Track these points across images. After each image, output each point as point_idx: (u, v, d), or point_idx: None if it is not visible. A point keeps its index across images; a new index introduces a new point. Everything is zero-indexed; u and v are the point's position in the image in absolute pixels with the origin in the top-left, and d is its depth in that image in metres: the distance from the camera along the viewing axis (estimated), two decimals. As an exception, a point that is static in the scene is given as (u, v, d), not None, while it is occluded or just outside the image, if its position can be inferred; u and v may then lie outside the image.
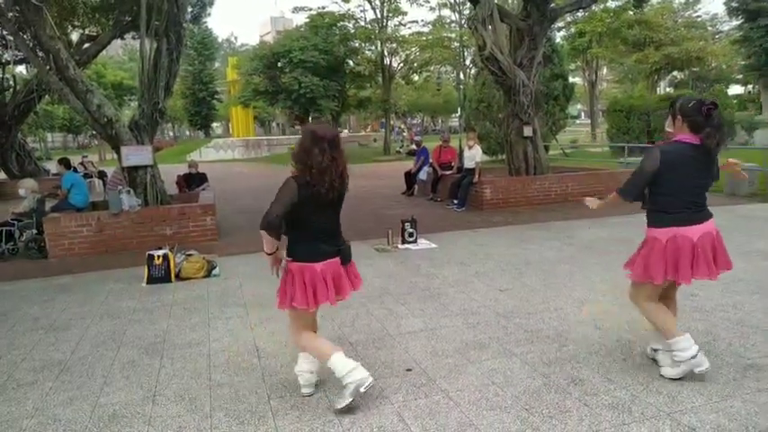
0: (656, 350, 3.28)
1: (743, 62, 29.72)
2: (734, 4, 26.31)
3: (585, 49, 30.99)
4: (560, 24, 29.14)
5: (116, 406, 3.09)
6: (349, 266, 3.07)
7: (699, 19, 35.24)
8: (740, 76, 38.32)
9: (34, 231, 7.66)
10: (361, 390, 2.83)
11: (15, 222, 7.71)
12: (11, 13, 8.56)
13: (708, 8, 75.27)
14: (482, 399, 2.96)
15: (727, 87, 36.64)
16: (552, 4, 10.95)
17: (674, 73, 36.61)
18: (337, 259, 2.98)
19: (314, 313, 3.10)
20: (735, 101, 27.92)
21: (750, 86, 40.52)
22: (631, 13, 27.56)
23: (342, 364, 2.88)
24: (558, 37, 30.39)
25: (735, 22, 30.31)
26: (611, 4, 27.88)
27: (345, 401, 2.82)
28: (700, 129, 2.88)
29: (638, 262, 3.10)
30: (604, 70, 45.73)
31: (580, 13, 26.54)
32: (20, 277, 6.40)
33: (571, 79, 26.49)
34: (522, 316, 4.24)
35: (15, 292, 5.75)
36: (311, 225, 2.91)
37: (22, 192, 8.10)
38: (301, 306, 2.91)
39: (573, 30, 30.53)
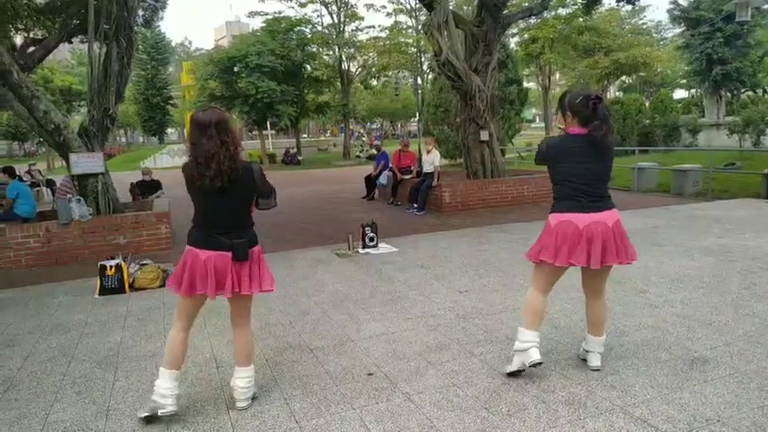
0: (587, 351, 3.33)
1: (686, 67, 31.08)
2: (676, 13, 27.51)
3: (538, 55, 31.84)
4: (514, 31, 29.91)
5: (67, 423, 2.97)
6: (245, 265, 2.88)
7: (644, 26, 36.79)
8: (684, 81, 40.10)
9: (-24, 243, 7.29)
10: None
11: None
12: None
13: (652, 16, 78.55)
14: (443, 400, 2.99)
15: (673, 91, 38.29)
16: (505, 11, 11.21)
17: (623, 78, 38.04)
18: (229, 254, 2.82)
19: (192, 305, 2.99)
20: (679, 104, 29.15)
21: (693, 90, 42.43)
22: (581, 20, 28.49)
23: (163, 385, 2.86)
24: (512, 43, 31.15)
25: (678, 30, 31.69)
26: (562, 12, 28.78)
27: None
28: (588, 122, 2.99)
29: (533, 244, 3.22)
30: (557, 75, 47.05)
31: (533, 20, 27.30)
32: (-38, 292, 6.08)
33: (525, 84, 27.20)
34: (481, 317, 4.31)
35: (-43, 307, 5.46)
36: (203, 212, 2.88)
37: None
38: (169, 286, 2.95)
39: (526, 36, 31.35)
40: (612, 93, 40.25)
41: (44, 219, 8.11)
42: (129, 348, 4.04)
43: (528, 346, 3.12)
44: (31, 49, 13.73)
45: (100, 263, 5.63)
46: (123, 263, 5.63)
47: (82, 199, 7.66)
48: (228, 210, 2.86)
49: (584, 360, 3.34)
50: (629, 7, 34.98)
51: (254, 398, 3.07)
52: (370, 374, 3.37)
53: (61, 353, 4.01)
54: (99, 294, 5.50)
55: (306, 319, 4.49)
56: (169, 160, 33.66)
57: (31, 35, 13.81)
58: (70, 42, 13.42)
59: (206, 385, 3.35)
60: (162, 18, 14.99)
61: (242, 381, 3.00)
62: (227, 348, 3.94)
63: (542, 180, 10.65)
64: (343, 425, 2.79)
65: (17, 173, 9.47)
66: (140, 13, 12.56)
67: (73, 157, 7.93)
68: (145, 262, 5.98)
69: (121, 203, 8.89)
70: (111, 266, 5.54)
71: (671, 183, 11.18)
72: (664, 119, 20.21)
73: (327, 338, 4.03)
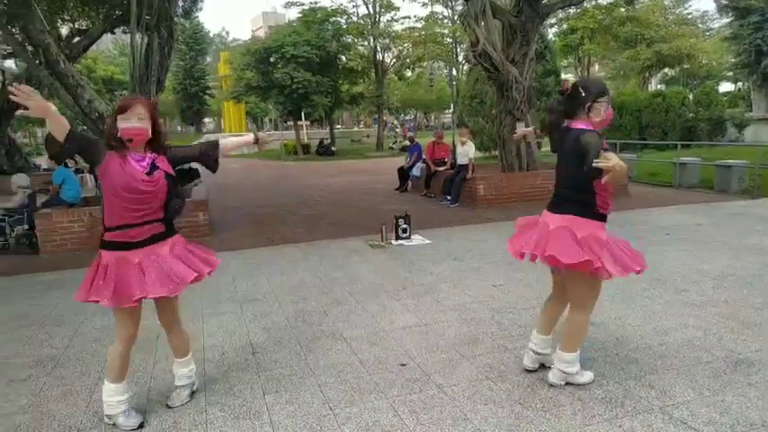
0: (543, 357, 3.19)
1: (733, 59, 29.89)
2: (724, 2, 26.43)
3: (577, 46, 31.10)
4: (552, 21, 29.24)
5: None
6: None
7: (689, 16, 35.46)
8: (730, 74, 38.60)
9: (25, 227, 7.60)
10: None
11: (6, 218, 7.65)
12: None
13: (698, 5, 75.57)
14: (476, 393, 2.98)
15: (718, 84, 36.93)
16: (544, 1, 10.97)
17: (666, 70, 36.83)
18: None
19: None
20: (725, 98, 28.10)
21: (740, 84, 40.81)
22: (623, 10, 27.68)
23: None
24: (551, 33, 30.48)
25: (725, 20, 30.47)
26: (603, 1, 28.00)
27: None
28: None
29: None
30: (596, 67, 45.89)
31: (572, 10, 26.62)
32: (11, 273, 6.35)
33: (563, 75, 26.59)
34: (515, 311, 4.27)
35: (6, 287, 5.71)
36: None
37: (14, 187, 8.03)
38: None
39: (565, 26, 30.62)
40: (654, 85, 39.06)
41: (88, 204, 8.37)
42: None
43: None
44: (76, 39, 14.16)
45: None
46: (163, 249, 5.76)
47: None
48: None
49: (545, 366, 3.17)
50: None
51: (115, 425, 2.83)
52: (403, 365, 3.38)
53: (104, 334, 4.15)
54: (139, 279, 5.65)
55: (340, 308, 4.53)
56: (206, 149, 34.21)
57: (76, 26, 14.25)
58: (113, 33, 13.78)
59: (242, 370, 3.42)
60: (201, 9, 15.22)
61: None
62: (264, 334, 4.02)
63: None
64: (376, 414, 2.81)
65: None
66: (180, 3, 12.79)
67: (115, 144, 8.15)
68: (183, 248, 6.11)
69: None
70: (151, 252, 5.68)
71: (714, 179, 10.80)
72: (708, 112, 19.51)
73: (361, 328, 4.06)
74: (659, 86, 38.99)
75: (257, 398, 3.05)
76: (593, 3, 26.67)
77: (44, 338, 4.15)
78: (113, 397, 2.78)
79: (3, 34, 8.96)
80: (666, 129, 18.66)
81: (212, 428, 2.75)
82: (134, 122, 2.65)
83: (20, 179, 8.17)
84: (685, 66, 33.28)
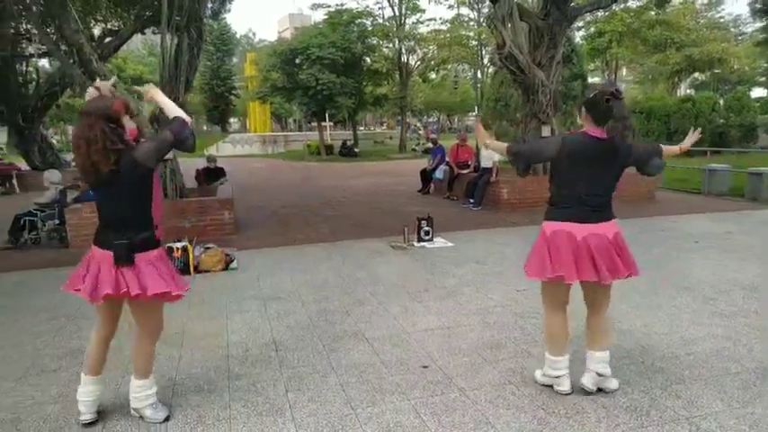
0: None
1: (766, 64, 29.20)
2: (758, 6, 25.83)
3: (605, 50, 30.67)
4: (580, 24, 28.88)
5: (137, 394, 3.14)
6: (128, 269, 2.63)
7: (721, 20, 34.69)
8: (763, 79, 37.68)
9: (56, 221, 7.79)
10: None
11: (38, 212, 7.85)
12: (35, 7, 8.70)
13: (731, 9, 73.86)
14: (499, 397, 2.96)
15: (750, 90, 36.05)
16: (572, 4, 10.86)
17: (696, 74, 36.13)
18: (109, 253, 2.62)
19: (106, 309, 2.83)
20: (757, 103, 27.44)
21: (773, 89, 39.83)
22: (653, 13, 27.22)
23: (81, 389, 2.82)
24: (578, 36, 30.15)
25: (758, 24, 29.77)
26: (632, 4, 27.58)
27: None
28: (602, 121, 2.74)
29: (529, 258, 2.95)
30: (624, 71, 45.24)
31: (600, 13, 26.27)
32: (42, 266, 6.51)
33: (590, 79, 26.26)
34: (539, 317, 4.21)
35: (37, 280, 5.86)
36: (97, 205, 2.74)
37: (46, 183, 8.24)
38: (67, 290, 2.79)
39: (592, 29, 30.23)
40: (683, 90, 38.33)
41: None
42: (194, 327, 4.21)
43: (562, 373, 2.95)
44: (108, 39, 14.48)
45: (167, 244, 5.89)
46: (189, 245, 5.87)
47: (151, 183, 8.01)
48: (121, 204, 2.65)
49: (579, 382, 2.98)
50: (705, 0, 33.29)
51: (141, 417, 2.83)
52: (425, 367, 3.38)
53: (131, 328, 4.22)
54: (166, 275, 5.75)
55: (362, 308, 4.54)
56: (231, 148, 34.65)
57: (108, 26, 14.57)
58: (143, 33, 14.05)
59: (265, 367, 3.46)
60: (229, 10, 15.41)
61: (132, 387, 2.85)
62: (287, 332, 4.06)
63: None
64: (398, 415, 2.81)
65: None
66: (209, 5, 12.98)
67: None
68: (209, 246, 6.21)
69: (187, 189, 9.24)
70: (178, 248, 5.79)
71: (745, 187, 10.56)
72: (740, 119, 19.10)
73: (383, 329, 4.07)
74: (688, 91, 38.23)
75: (280, 395, 3.08)
76: (622, 6, 26.27)
77: (73, 330, 4.25)
78: (142, 392, 2.83)
79: (39, 34, 9.20)
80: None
81: (236, 424, 2.78)
82: (132, 124, 2.73)
83: (52, 175, 8.37)
84: (716, 70, 32.57)
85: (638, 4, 27.31)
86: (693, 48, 28.62)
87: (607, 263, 2.79)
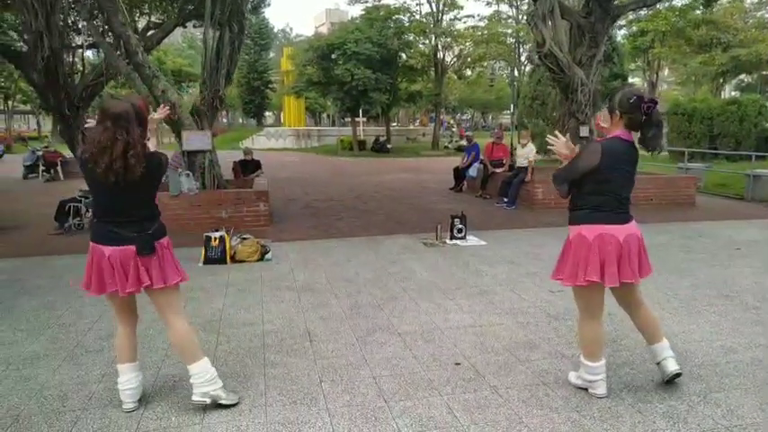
0: (659, 363, 3.07)
1: (818, 67, 28.03)
2: (812, 5, 24.78)
3: (647, 49, 29.91)
4: (622, 22, 28.20)
5: (176, 377, 3.24)
6: (151, 259, 2.71)
7: (772, 20, 33.39)
8: (814, 82, 36.17)
9: (99, 208, 8.05)
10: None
11: (82, 199, 8.13)
12: (86, 0, 8.99)
13: (782, 9, 70.98)
14: (532, 397, 2.95)
15: (800, 93, 34.62)
16: (616, 1, 10.64)
17: (742, 76, 34.94)
18: (131, 247, 2.67)
19: (117, 303, 2.84)
20: (807, 108, 26.31)
21: (825, 93, 38.18)
22: (698, 12, 26.39)
23: (121, 379, 2.86)
24: (620, 35, 29.46)
25: (812, 24, 28.60)
26: (678, 3, 26.79)
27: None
28: (637, 126, 2.79)
29: (567, 265, 2.91)
30: (666, 71, 44.05)
31: (643, 12, 25.60)
32: (85, 251, 6.72)
33: (630, 79, 25.67)
34: (573, 319, 4.17)
35: (81, 264, 6.04)
36: (100, 204, 2.75)
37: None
38: (83, 288, 2.82)
39: (635, 28, 29.48)
40: (728, 92, 37.11)
41: (159, 189, 8.78)
42: (230, 316, 4.32)
43: (599, 378, 2.95)
44: (151, 32, 14.84)
45: (205, 234, 6.03)
46: (227, 235, 6.00)
47: (191, 173, 8.21)
48: (132, 203, 2.69)
49: (671, 378, 3.03)
50: (755, -1, 32.08)
51: (220, 404, 2.85)
52: (458, 364, 3.39)
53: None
54: (203, 263, 5.91)
55: (394, 303, 4.57)
56: (266, 142, 35.14)
57: (152, 19, 14.93)
58: (185, 27, 14.35)
59: (300, 356, 3.52)
60: (269, 4, 15.64)
61: (193, 378, 2.84)
62: (321, 323, 4.12)
63: (643, 181, 10.07)
64: (430, 410, 2.84)
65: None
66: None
67: (185, 134, 8.52)
68: (246, 236, 6.33)
69: (224, 180, 9.43)
70: (215, 238, 5.92)
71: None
72: (787, 123, 18.37)
73: (415, 324, 4.09)
74: (734, 93, 36.98)
75: (314, 384, 3.13)
76: (667, 4, 25.53)
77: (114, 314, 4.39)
78: (205, 374, 2.82)
79: (88, 26, 9.50)
80: (740, 138, 17.69)
81: (272, 411, 2.85)
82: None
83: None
84: (764, 72, 31.43)
85: (683, 2, 26.52)
86: (741, 48, 27.63)
87: (639, 262, 2.90)
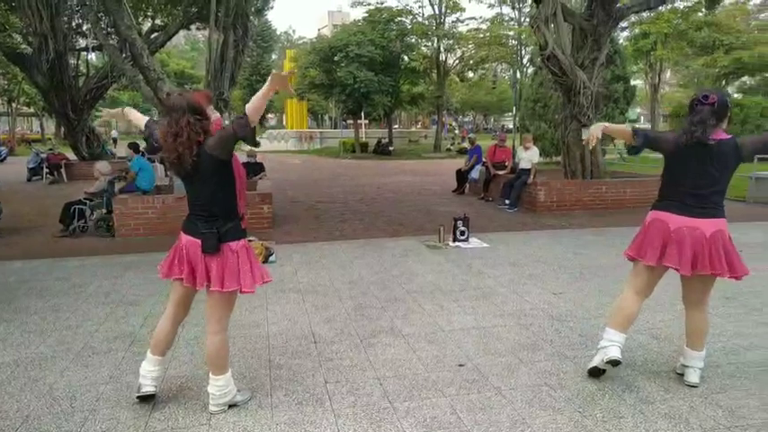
0: (685, 366, 3.17)
1: (821, 69, 28.00)
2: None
3: (649, 51, 29.95)
4: (624, 24, 28.23)
5: (183, 378, 3.28)
6: (215, 259, 2.71)
7: (775, 22, 33.40)
8: (817, 84, 36.09)
9: (104, 211, 8.11)
10: None
11: (87, 201, 8.18)
12: (92, 3, 9.05)
13: (785, 10, 70.75)
14: (535, 398, 2.98)
15: (802, 95, 34.58)
16: (618, 4, 10.67)
17: (745, 78, 34.92)
18: (198, 242, 2.71)
19: (179, 292, 2.90)
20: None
21: (828, 95, 38.12)
22: (701, 14, 26.42)
23: (145, 366, 2.95)
24: (622, 38, 29.47)
25: (814, 26, 28.57)
26: (680, 5, 26.80)
27: None
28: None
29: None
30: (668, 73, 44.09)
31: (646, 14, 25.62)
32: (90, 253, 6.80)
33: (632, 82, 25.66)
34: (575, 320, 4.21)
35: (87, 267, 6.11)
36: (187, 195, 2.83)
37: (96, 173, 8.58)
38: (159, 269, 2.91)
39: (637, 30, 29.53)
40: (731, 95, 37.09)
41: (160, 192, 8.84)
42: (236, 317, 4.32)
43: (609, 344, 3.07)
44: (154, 34, 14.93)
45: (210, 236, 6.06)
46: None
47: (195, 176, 8.24)
48: (205, 197, 2.74)
49: (681, 375, 3.19)
50: (758, 0, 32.08)
51: (233, 405, 2.91)
52: (461, 365, 3.42)
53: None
54: (207, 265, 5.93)
55: (397, 305, 4.61)
56: (268, 144, 35.19)
57: (156, 21, 15.02)
58: (188, 29, 14.45)
59: (305, 358, 3.55)
60: (272, 7, 15.70)
61: (212, 388, 2.86)
62: (325, 325, 4.15)
63: (647, 183, 10.10)
64: (434, 410, 2.87)
65: (140, 149, 10.33)
66: (254, 2, 13.24)
67: (189, 136, 8.55)
68: (251, 238, 6.34)
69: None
70: (219, 240, 5.94)
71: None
72: (790, 125, 18.40)
73: (418, 326, 4.12)
74: (736, 96, 36.96)
75: (319, 385, 3.17)
76: (669, 6, 25.55)
77: (121, 316, 4.44)
78: (228, 385, 2.88)
79: (94, 28, 9.57)
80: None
81: (278, 412, 2.88)
82: (216, 114, 2.84)
83: (103, 166, 8.70)
84: (767, 74, 31.40)
85: (685, 4, 26.54)
86: (743, 50, 27.65)
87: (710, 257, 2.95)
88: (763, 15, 33.18)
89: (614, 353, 3.03)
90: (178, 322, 3.02)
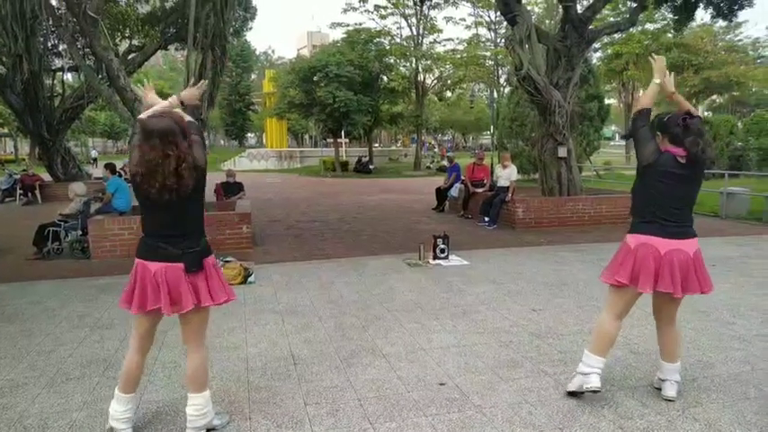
0: (662, 380, 3.21)
1: (786, 88, 29.01)
2: (777, 29, 25.75)
3: (622, 71, 30.72)
4: (597, 45, 28.97)
5: (159, 403, 3.21)
6: (199, 276, 2.68)
7: (740, 43, 34.59)
8: (783, 102, 37.35)
9: (79, 232, 7.96)
10: None
11: (62, 223, 8.03)
12: (68, 23, 8.99)
13: (750, 32, 73.41)
14: (515, 416, 2.99)
15: (769, 113, 35.73)
16: (591, 26, 10.96)
17: (713, 97, 36.00)
18: (180, 265, 2.63)
19: (147, 324, 2.78)
20: (776, 127, 27.16)
21: (793, 113, 39.45)
22: (670, 35, 27.26)
23: (115, 407, 2.82)
24: (595, 58, 30.21)
25: (778, 47, 29.66)
26: (650, 27, 27.63)
27: None
28: (679, 139, 2.93)
29: (609, 265, 3.15)
30: (640, 92, 45.12)
31: (617, 35, 26.35)
32: (65, 276, 6.66)
33: (606, 100, 26.28)
34: (555, 337, 4.24)
35: (61, 290, 5.99)
36: (149, 221, 2.67)
37: (71, 195, 8.44)
38: (123, 306, 2.70)
39: (609, 51, 30.32)
40: (701, 113, 38.14)
41: (136, 213, 8.72)
42: (214, 339, 4.28)
43: (590, 371, 3.08)
44: (132, 55, 14.86)
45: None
46: (209, 259, 5.96)
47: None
48: (181, 216, 2.64)
49: (659, 389, 3.22)
50: (723, 23, 33.19)
51: (211, 429, 2.86)
52: (442, 384, 3.41)
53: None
54: (185, 287, 5.85)
55: (378, 324, 4.59)
56: (248, 163, 35.08)
57: (134, 42, 14.96)
58: (166, 50, 14.41)
59: (284, 380, 3.51)
60: (251, 28, 15.78)
61: (190, 408, 2.79)
62: (305, 346, 4.11)
63: (622, 200, 10.28)
64: (415, 431, 2.85)
65: (116, 169, 10.21)
66: (232, 23, 13.29)
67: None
68: (228, 259, 6.31)
69: (207, 202, 9.39)
70: (197, 261, 5.88)
71: (764, 210, 10.48)
72: (759, 142, 18.97)
73: (399, 345, 4.11)
74: (706, 114, 38.02)
75: (299, 408, 3.13)
76: (640, 28, 26.34)
77: (96, 340, 4.35)
78: (207, 405, 2.82)
79: (70, 49, 9.50)
80: (713, 158, 18.22)
81: (256, 435, 2.84)
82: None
83: (78, 187, 8.57)
84: (734, 93, 32.43)
85: (655, 26, 27.37)
86: (711, 70, 28.56)
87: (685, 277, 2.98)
88: (728, 37, 34.33)
89: (595, 382, 3.04)
90: (146, 353, 2.91)
